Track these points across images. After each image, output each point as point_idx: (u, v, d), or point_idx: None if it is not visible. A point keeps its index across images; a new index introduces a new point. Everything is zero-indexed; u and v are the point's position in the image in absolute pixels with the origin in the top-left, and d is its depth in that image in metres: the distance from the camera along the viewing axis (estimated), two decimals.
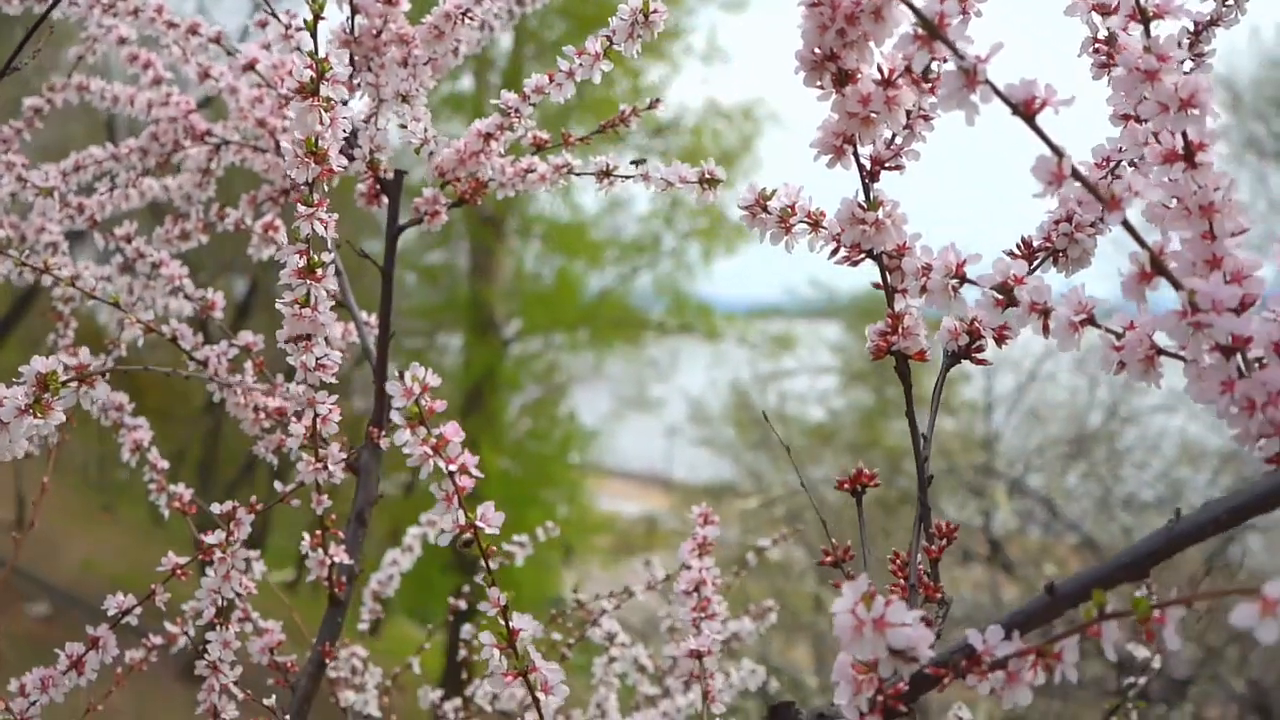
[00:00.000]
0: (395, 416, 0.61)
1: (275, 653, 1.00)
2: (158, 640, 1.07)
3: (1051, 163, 0.51)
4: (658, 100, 0.97)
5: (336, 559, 0.96)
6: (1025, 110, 0.50)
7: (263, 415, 1.00)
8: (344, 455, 0.91)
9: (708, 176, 0.81)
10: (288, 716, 0.93)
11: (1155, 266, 0.51)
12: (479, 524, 0.62)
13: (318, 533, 0.95)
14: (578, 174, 0.95)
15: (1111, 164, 0.68)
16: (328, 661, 0.98)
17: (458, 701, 1.40)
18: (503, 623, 0.65)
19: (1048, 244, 0.68)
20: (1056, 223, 0.69)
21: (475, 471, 0.62)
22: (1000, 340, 0.68)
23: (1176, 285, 0.51)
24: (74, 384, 0.68)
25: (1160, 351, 0.55)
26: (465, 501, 0.62)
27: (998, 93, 0.50)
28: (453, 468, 0.61)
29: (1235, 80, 8.34)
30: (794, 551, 7.57)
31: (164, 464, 1.09)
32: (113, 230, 1.13)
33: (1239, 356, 0.51)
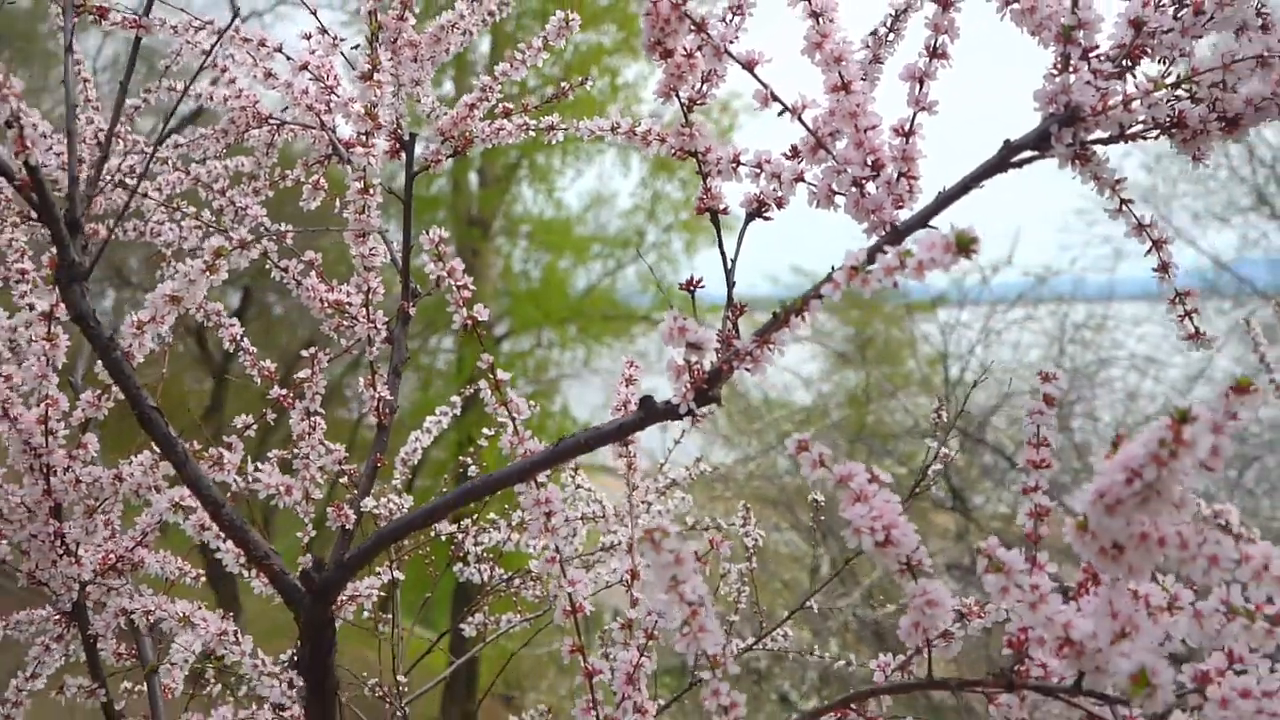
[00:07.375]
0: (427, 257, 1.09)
1: (342, 464, 1.47)
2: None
3: (763, 92, 0.98)
4: (586, 79, 1.46)
5: (382, 395, 1.43)
6: (748, 65, 0.98)
7: (325, 304, 1.47)
8: (386, 319, 1.38)
9: (615, 125, 1.28)
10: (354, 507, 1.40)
11: (818, 144, 0.99)
12: (475, 315, 1.10)
13: (369, 376, 1.42)
14: (533, 130, 1.43)
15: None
16: (379, 466, 1.45)
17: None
18: (492, 376, 1.12)
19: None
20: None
21: (470, 286, 1.09)
22: (779, 205, 1.15)
23: (829, 152, 0.99)
24: (235, 250, 1.15)
25: (835, 192, 1.02)
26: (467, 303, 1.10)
27: (732, 56, 0.97)
28: (459, 283, 1.09)
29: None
30: (794, 537, 8.03)
31: (253, 350, 1.56)
32: (210, 186, 1.61)
33: (864, 186, 0.99)
